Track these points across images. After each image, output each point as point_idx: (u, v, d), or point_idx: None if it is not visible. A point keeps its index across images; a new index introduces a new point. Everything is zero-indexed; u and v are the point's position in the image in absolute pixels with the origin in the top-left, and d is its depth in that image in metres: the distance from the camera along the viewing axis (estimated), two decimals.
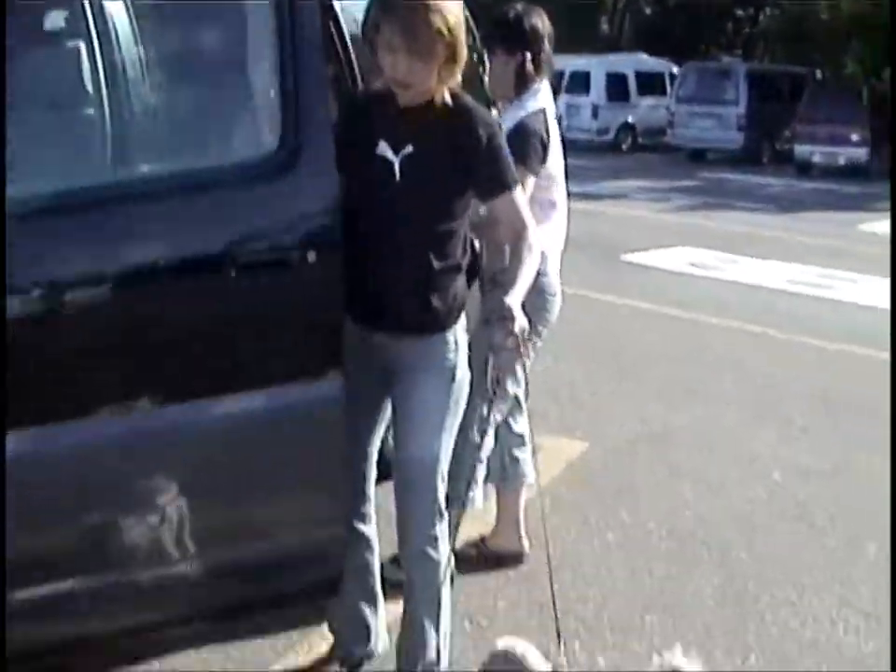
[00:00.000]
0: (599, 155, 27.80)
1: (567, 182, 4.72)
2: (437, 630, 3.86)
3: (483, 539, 4.98)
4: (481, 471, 4.67)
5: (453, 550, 4.32)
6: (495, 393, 4.21)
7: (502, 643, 3.36)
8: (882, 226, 16.98)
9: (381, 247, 3.46)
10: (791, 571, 5.04)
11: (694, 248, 13.85)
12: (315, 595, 3.78)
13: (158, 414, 3.15)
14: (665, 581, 4.89)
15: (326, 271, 3.25)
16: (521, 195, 3.62)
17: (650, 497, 5.82)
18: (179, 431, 3.18)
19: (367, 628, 3.99)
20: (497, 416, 4.54)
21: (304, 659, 4.12)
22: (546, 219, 4.47)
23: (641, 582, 4.86)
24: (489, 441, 4.59)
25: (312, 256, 3.22)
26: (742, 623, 4.56)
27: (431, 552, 3.74)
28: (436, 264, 3.51)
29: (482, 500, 4.79)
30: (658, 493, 5.91)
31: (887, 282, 11.95)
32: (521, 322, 3.33)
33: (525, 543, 4.89)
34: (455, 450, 4.53)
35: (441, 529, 3.75)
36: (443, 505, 3.74)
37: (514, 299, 3.37)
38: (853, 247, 14.91)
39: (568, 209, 4.77)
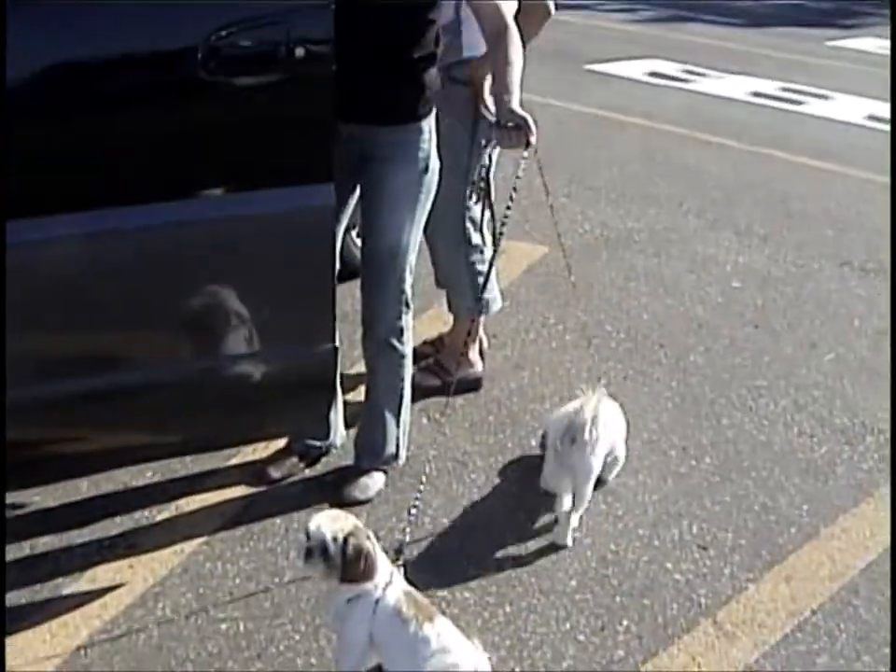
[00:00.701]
0: None
1: None
2: (397, 422, 3.85)
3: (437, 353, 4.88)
4: (491, 270, 4.56)
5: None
6: (487, 193, 4.30)
7: None
8: (853, 42, 16.73)
9: (357, 37, 3.31)
10: (746, 375, 5.05)
11: (659, 60, 13.58)
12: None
13: (143, 212, 2.97)
14: (622, 381, 4.88)
15: (315, 67, 3.06)
16: None
17: (607, 299, 5.79)
18: (168, 232, 3.02)
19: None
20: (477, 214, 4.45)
21: (263, 453, 4.09)
22: None
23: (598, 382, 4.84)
24: (480, 237, 4.48)
25: (300, 51, 3.02)
26: (698, 424, 4.58)
27: (396, 343, 3.71)
28: (411, 53, 3.45)
29: (500, 301, 4.73)
30: (615, 296, 5.87)
31: (857, 99, 11.85)
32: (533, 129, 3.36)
33: (479, 367, 4.77)
34: (447, 263, 4.46)
35: (407, 321, 3.71)
36: (409, 296, 3.69)
37: (518, 103, 3.36)
38: (822, 63, 14.68)
39: None
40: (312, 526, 2.81)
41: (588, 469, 3.64)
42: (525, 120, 3.33)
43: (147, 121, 2.95)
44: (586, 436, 3.58)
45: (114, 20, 2.86)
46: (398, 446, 3.91)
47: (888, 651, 3.31)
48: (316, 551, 2.79)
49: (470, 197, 4.35)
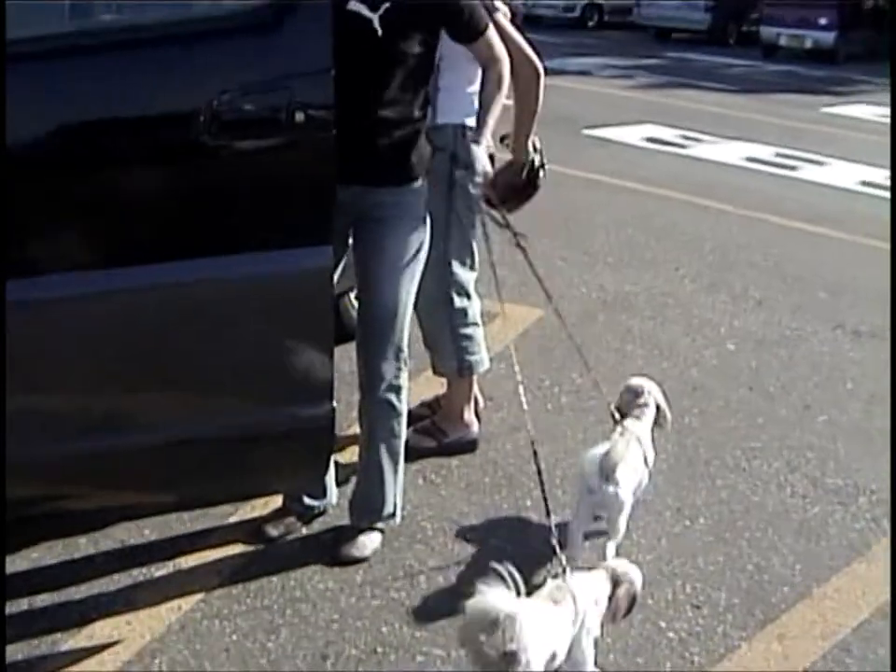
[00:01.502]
0: (565, 32, 27.39)
1: None
2: (395, 481, 3.89)
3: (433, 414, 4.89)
4: (477, 332, 4.64)
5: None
6: (485, 234, 4.46)
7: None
8: (846, 109, 16.94)
9: (362, 102, 3.43)
10: (741, 437, 5.10)
11: (655, 125, 13.75)
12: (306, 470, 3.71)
13: (141, 273, 3.03)
14: None
15: (316, 132, 3.13)
16: (493, 32, 3.72)
17: (603, 362, 5.83)
18: (164, 291, 3.08)
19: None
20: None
21: (262, 511, 4.13)
22: None
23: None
24: (465, 300, 4.55)
25: (300, 116, 3.10)
26: (692, 485, 4.61)
27: (395, 401, 3.77)
28: (411, 114, 3.60)
29: (487, 362, 4.75)
30: (611, 358, 5.93)
31: (851, 165, 11.99)
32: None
33: (475, 429, 4.80)
34: (430, 325, 4.52)
35: (404, 379, 3.76)
36: (406, 355, 3.75)
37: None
38: (816, 129, 14.85)
39: None
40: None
41: (621, 504, 3.73)
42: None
43: (152, 183, 3.03)
44: (618, 474, 3.68)
45: (118, 81, 2.95)
46: (395, 505, 3.95)
47: None
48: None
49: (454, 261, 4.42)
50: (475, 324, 4.56)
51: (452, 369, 4.62)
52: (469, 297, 4.51)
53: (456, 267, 4.42)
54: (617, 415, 4.09)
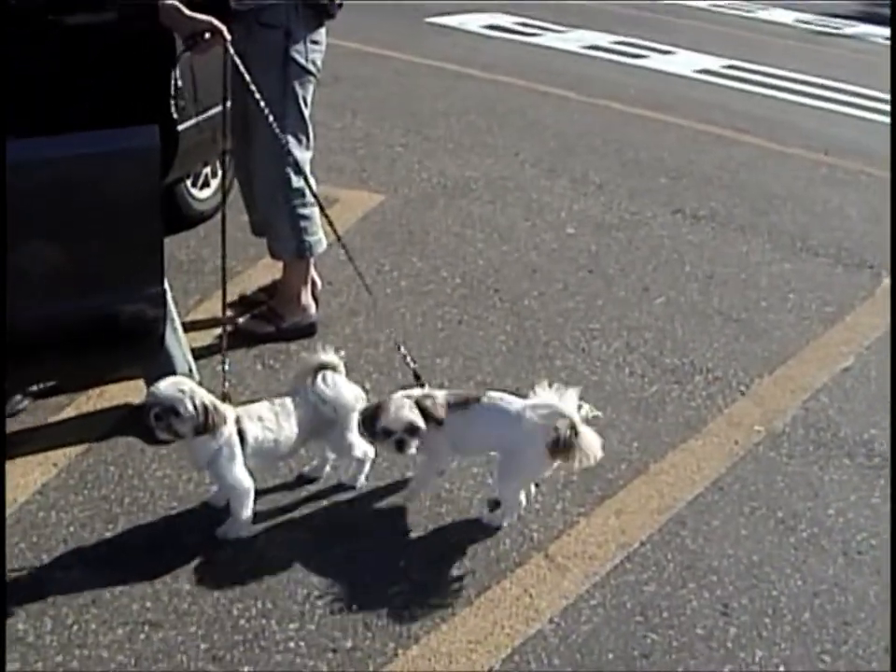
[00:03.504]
0: None
1: None
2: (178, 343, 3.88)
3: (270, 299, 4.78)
4: (314, 212, 4.50)
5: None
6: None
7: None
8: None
9: None
10: (580, 319, 5.11)
11: (496, 14, 13.62)
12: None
13: None
14: (457, 325, 4.89)
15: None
16: None
17: (442, 246, 5.79)
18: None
19: None
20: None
21: (95, 404, 4.01)
22: None
23: (434, 326, 4.85)
24: (302, 180, 4.40)
25: None
26: (531, 366, 4.61)
27: None
28: None
29: (325, 243, 4.64)
30: (452, 242, 5.87)
31: (690, 54, 12.09)
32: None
33: (312, 312, 4.71)
34: (266, 207, 4.37)
35: None
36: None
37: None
38: (654, 17, 14.91)
39: None
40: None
41: None
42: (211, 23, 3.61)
43: None
44: None
45: None
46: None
47: (714, 578, 3.40)
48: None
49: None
50: (312, 204, 4.44)
51: (290, 250, 4.51)
52: (305, 177, 4.38)
53: (293, 146, 4.28)
54: None
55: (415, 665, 2.93)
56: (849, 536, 3.69)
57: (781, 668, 3.07)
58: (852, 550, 3.61)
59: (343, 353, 3.54)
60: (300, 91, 4.26)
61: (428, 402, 3.38)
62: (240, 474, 3.28)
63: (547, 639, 3.08)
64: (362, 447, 3.57)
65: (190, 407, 3.09)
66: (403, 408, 3.32)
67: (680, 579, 3.38)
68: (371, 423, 3.35)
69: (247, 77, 3.78)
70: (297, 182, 4.37)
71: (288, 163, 4.29)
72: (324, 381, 3.42)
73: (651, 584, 3.35)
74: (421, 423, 3.31)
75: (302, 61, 4.21)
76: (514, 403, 3.45)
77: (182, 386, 3.13)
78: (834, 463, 4.11)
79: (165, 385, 3.12)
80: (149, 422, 3.12)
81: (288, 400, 3.43)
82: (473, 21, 12.96)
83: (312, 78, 4.31)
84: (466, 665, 2.95)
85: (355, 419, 3.51)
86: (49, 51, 3.08)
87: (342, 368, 3.52)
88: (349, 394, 3.49)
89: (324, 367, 3.44)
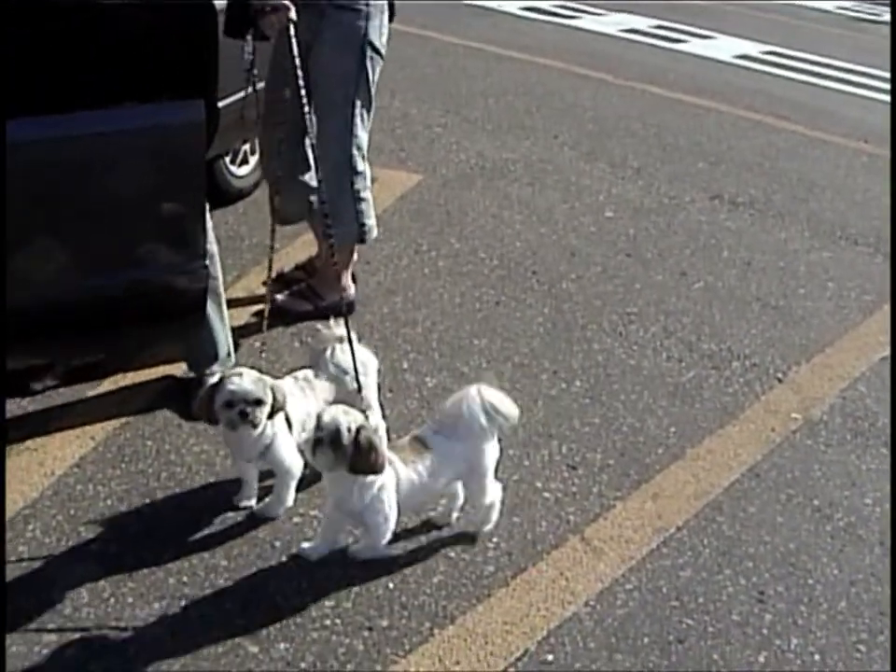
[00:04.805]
0: None
1: None
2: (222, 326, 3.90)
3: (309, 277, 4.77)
4: (371, 197, 4.50)
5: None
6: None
7: None
8: None
9: None
10: (618, 302, 5.09)
11: None
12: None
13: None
14: (495, 307, 4.88)
15: None
16: None
17: (480, 227, 5.77)
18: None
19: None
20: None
21: (133, 379, 4.02)
22: None
23: (471, 307, 4.84)
24: (366, 164, 4.39)
25: None
26: (569, 349, 4.59)
27: None
28: None
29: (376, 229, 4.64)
30: (488, 223, 5.86)
31: (730, 39, 12.00)
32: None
33: (351, 292, 4.67)
34: (332, 190, 4.33)
35: None
36: None
37: None
38: (693, 3, 14.81)
39: None
40: (325, 418, 2.95)
41: None
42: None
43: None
44: None
45: None
46: (228, 346, 3.96)
47: (750, 564, 3.38)
48: (327, 440, 2.93)
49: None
50: (370, 188, 4.44)
51: (353, 235, 4.48)
52: (366, 160, 4.38)
53: (358, 128, 4.28)
54: None
55: (451, 645, 2.93)
56: (886, 525, 3.66)
57: (817, 657, 3.05)
58: (889, 539, 3.59)
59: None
60: (371, 74, 4.25)
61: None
62: (296, 455, 3.29)
63: (582, 622, 3.07)
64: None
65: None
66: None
67: (716, 564, 3.37)
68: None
69: (297, 61, 3.72)
70: (361, 165, 4.35)
71: (356, 146, 4.29)
72: (343, 352, 3.45)
73: (687, 569, 3.34)
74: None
75: (377, 42, 4.20)
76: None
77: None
78: (872, 452, 4.09)
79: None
80: (234, 416, 3.08)
81: (311, 373, 3.45)
82: (512, 4, 12.91)
83: (381, 60, 4.30)
84: (501, 646, 2.95)
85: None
86: (91, 27, 3.07)
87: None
88: (367, 357, 3.53)
89: (340, 341, 3.47)
